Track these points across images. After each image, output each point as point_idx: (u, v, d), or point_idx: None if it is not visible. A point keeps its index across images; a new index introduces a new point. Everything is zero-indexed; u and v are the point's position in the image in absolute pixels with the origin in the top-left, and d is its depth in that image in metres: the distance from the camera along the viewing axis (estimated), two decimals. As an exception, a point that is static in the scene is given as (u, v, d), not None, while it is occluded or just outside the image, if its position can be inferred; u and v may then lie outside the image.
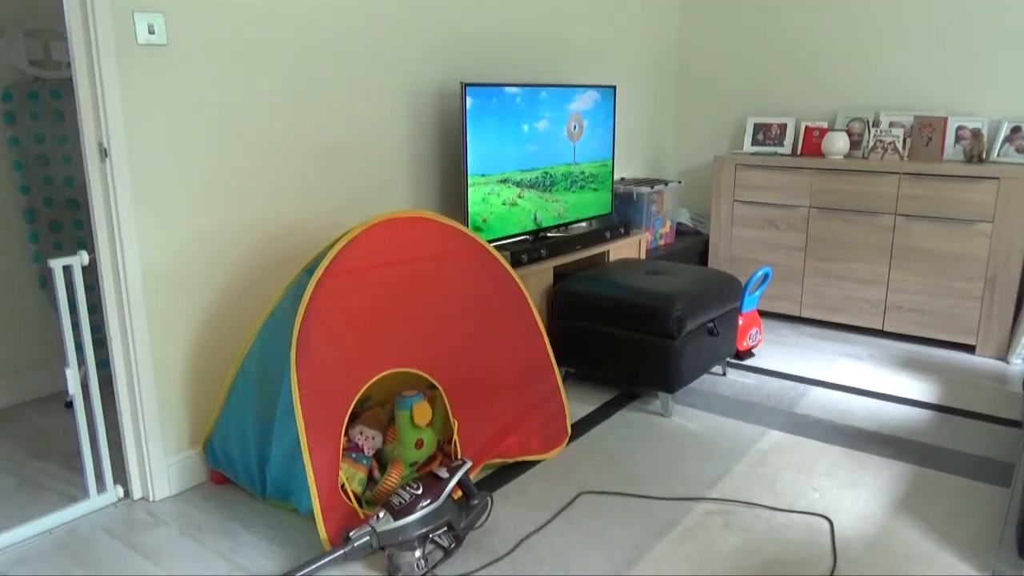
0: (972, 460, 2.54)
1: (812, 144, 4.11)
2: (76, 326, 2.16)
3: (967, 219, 3.47)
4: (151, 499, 2.33)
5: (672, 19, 4.51)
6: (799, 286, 4.01)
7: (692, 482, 2.41)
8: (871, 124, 3.98)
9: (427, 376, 2.31)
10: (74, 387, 2.13)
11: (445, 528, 1.97)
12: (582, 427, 2.81)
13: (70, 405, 2.21)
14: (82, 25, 2.02)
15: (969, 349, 3.62)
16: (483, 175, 2.99)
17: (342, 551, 1.86)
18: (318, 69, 2.59)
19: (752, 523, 2.17)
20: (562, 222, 3.43)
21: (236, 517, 2.24)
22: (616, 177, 3.78)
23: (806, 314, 4.02)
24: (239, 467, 2.30)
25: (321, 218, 2.66)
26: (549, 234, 3.38)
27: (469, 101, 2.87)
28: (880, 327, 3.80)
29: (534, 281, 3.08)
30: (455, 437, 2.33)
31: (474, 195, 2.96)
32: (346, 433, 2.17)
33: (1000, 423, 2.84)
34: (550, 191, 3.32)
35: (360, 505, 2.16)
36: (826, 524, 2.17)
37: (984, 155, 3.59)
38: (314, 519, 2.03)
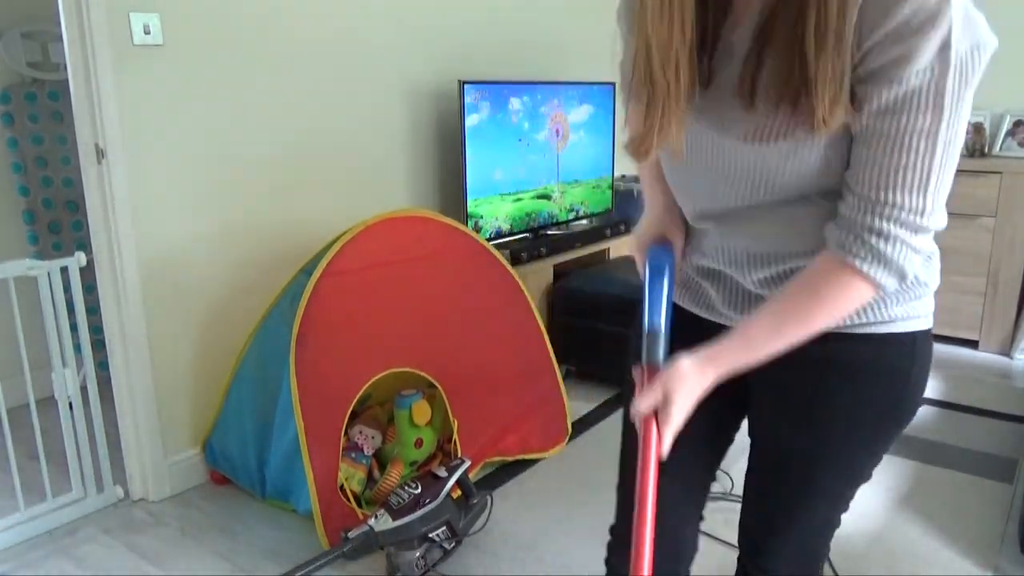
0: (975, 456, 2.53)
1: (813, 140, 4.08)
2: (75, 327, 2.16)
3: (969, 214, 3.45)
4: (150, 499, 2.33)
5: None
6: (801, 282, 3.99)
7: (693, 480, 2.40)
8: (872, 119, 3.96)
9: (426, 375, 2.30)
10: (60, 390, 2.13)
11: (444, 527, 1.96)
12: (582, 425, 2.80)
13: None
14: (78, 26, 2.01)
15: (972, 344, 3.60)
16: (482, 176, 2.98)
17: (341, 551, 1.85)
18: (315, 68, 2.58)
19: (753, 521, 2.16)
20: (562, 220, 3.42)
21: (236, 517, 2.24)
22: (616, 174, 3.77)
23: (808, 310, 4.00)
24: (238, 467, 2.30)
25: (319, 218, 2.65)
26: (549, 232, 3.37)
27: (467, 99, 2.86)
28: (882, 323, 3.78)
29: (534, 279, 3.07)
30: (455, 436, 2.32)
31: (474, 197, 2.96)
32: (345, 433, 2.17)
33: (1004, 419, 2.83)
34: (549, 197, 3.32)
35: (360, 505, 2.16)
36: (828, 521, 2.16)
37: (986, 149, 3.57)
38: (313, 519, 2.03)
